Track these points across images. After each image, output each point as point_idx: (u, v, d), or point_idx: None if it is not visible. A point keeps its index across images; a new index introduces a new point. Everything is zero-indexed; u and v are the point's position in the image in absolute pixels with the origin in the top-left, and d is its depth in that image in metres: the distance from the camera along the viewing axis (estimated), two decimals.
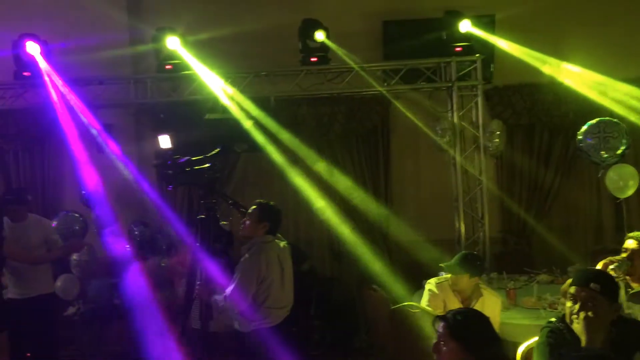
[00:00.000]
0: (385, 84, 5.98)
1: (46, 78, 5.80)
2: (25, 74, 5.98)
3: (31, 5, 6.40)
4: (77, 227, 6.06)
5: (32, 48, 5.79)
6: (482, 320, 2.25)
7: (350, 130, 6.50)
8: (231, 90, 5.81)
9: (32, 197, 5.24)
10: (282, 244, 4.15)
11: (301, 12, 6.00)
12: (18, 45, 5.80)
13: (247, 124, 5.44)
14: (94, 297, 5.80)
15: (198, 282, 4.02)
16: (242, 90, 5.99)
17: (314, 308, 5.55)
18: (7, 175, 6.44)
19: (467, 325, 2.17)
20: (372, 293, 4.79)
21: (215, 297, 3.86)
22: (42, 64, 5.79)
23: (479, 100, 5.96)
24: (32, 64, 5.90)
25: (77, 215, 6.16)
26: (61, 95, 5.86)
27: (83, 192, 6.09)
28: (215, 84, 5.81)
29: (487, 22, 6.17)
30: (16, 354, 4.79)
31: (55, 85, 5.82)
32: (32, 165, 6.48)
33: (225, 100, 5.75)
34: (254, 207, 4.08)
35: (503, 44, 6.03)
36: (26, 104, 6.13)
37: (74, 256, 5.93)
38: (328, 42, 5.84)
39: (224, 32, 6.00)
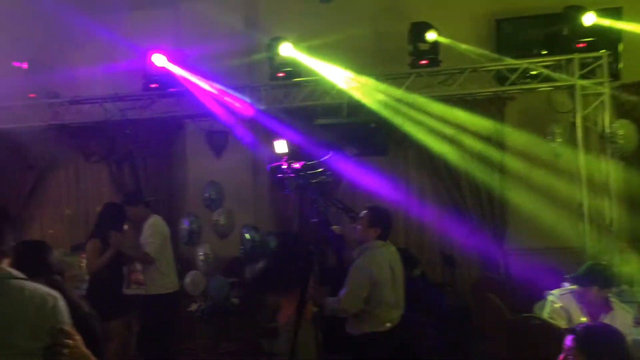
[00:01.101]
0: (500, 85, 5.76)
1: (186, 77, 6.15)
2: (152, 85, 6.46)
3: (158, 19, 6.87)
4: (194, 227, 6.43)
5: (159, 60, 6.24)
6: (616, 336, 2.09)
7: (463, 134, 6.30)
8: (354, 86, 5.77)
9: (152, 200, 5.57)
10: (392, 249, 4.13)
11: (409, 17, 5.94)
12: (145, 58, 6.28)
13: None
14: (214, 294, 6.11)
15: (311, 285, 4.12)
16: (352, 95, 6.04)
17: (426, 315, 5.44)
18: (137, 179, 6.96)
19: (599, 341, 2.03)
20: (488, 301, 4.63)
21: (328, 299, 3.92)
22: (175, 69, 6.19)
23: (606, 99, 5.54)
24: (158, 75, 6.37)
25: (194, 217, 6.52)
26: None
27: (205, 194, 6.45)
28: (336, 85, 5.88)
29: (613, 14, 5.74)
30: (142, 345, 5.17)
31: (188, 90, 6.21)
32: (158, 170, 6.96)
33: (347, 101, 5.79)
34: (365, 211, 4.10)
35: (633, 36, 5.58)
36: (153, 114, 6.60)
37: (200, 254, 6.30)
38: (442, 39, 5.71)
39: (333, 38, 6.10)
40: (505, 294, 5.25)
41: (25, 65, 6.47)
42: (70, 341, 2.06)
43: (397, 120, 5.68)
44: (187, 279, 6.21)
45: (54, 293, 2.18)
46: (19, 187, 7.22)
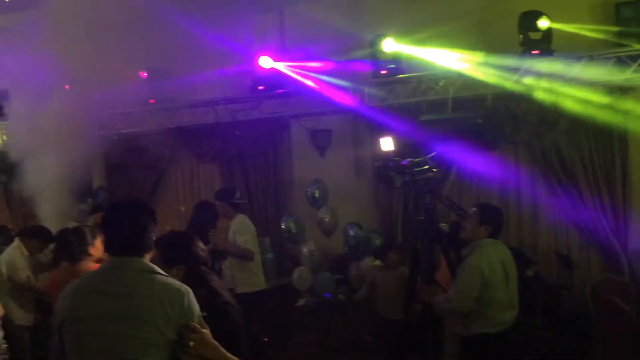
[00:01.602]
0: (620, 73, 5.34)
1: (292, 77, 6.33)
2: (259, 87, 6.69)
3: (264, 23, 7.08)
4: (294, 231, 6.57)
5: (265, 62, 6.45)
6: None
7: (579, 126, 5.91)
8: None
9: (241, 202, 5.75)
10: (504, 248, 3.97)
11: (517, 6, 5.67)
12: (252, 61, 6.52)
13: None
14: (321, 290, 6.22)
15: (418, 283, 4.07)
16: (457, 90, 5.90)
17: (540, 317, 5.18)
18: (246, 178, 7.24)
19: None
20: (612, 305, 4.32)
21: (438, 297, 3.86)
22: (281, 71, 6.37)
23: None
24: (265, 77, 6.60)
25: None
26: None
27: (310, 192, 6.57)
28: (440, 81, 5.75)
29: None
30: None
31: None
32: (266, 169, 7.20)
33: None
34: (475, 209, 3.98)
35: None
36: (260, 115, 6.85)
37: (305, 250, 6.45)
38: (558, 26, 5.39)
39: (436, 32, 5.96)
40: (630, 298, 4.88)
41: (145, 75, 6.96)
42: (195, 335, 2.15)
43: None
44: (295, 275, 6.38)
45: (184, 288, 2.26)
46: (141, 186, 7.79)
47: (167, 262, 2.63)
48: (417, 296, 4.08)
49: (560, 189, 5.95)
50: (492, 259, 3.79)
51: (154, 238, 2.36)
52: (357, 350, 6.14)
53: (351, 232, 6.39)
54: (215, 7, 5.92)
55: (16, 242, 5.35)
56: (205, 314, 2.30)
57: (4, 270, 5.10)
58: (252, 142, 7.09)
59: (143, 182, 7.78)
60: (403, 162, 3.89)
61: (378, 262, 6.06)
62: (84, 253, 3.78)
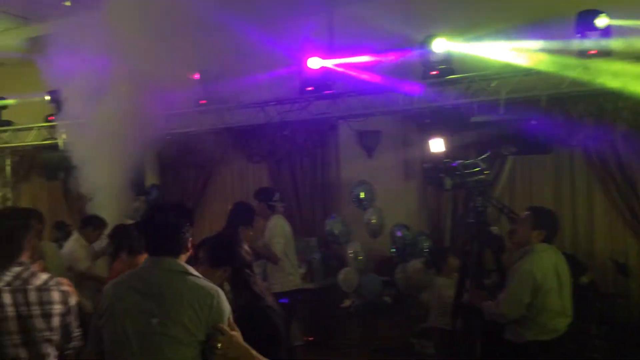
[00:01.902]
0: None
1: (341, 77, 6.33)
2: (308, 88, 6.73)
3: (313, 24, 7.12)
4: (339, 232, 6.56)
5: (314, 63, 6.49)
6: None
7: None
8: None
9: (279, 204, 5.74)
10: (558, 253, 3.86)
11: (575, 5, 5.49)
12: (302, 62, 6.56)
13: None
14: (366, 292, 6.20)
15: (469, 287, 4.00)
16: (510, 91, 5.77)
17: (595, 326, 5.00)
18: (294, 178, 7.29)
19: None
20: None
21: (488, 302, 3.78)
22: (330, 71, 6.39)
23: None
24: (314, 78, 6.63)
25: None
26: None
27: (356, 193, 6.56)
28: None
29: None
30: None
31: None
32: (313, 169, 7.23)
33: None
34: (528, 212, 3.88)
35: None
36: (309, 115, 6.88)
37: (350, 252, 6.44)
38: (617, 22, 5.20)
39: (490, 32, 5.85)
40: None
41: (197, 76, 7.12)
42: (223, 337, 2.21)
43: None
44: (340, 276, 6.38)
45: (214, 290, 2.32)
46: (191, 185, 7.96)
47: (212, 264, 2.67)
48: (466, 301, 4.02)
49: (618, 194, 5.73)
50: (545, 264, 3.68)
51: (190, 238, 2.45)
52: (402, 353, 6.08)
53: (399, 234, 6.34)
54: (266, 10, 6.00)
55: (75, 234, 5.63)
56: (235, 314, 2.35)
57: (65, 262, 5.34)
58: (300, 143, 7.14)
59: (194, 181, 7.95)
60: (453, 164, 3.84)
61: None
62: (143, 247, 3.90)
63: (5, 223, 2.84)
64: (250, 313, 2.58)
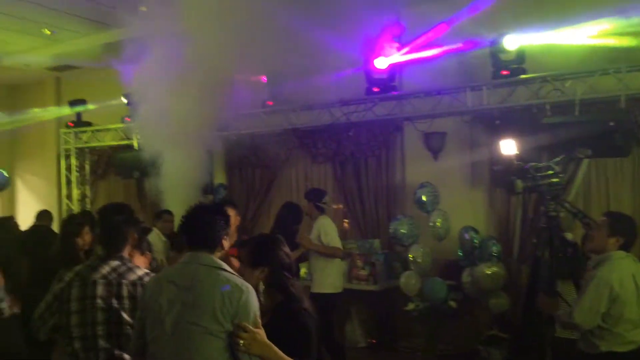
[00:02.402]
0: None
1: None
2: (374, 89, 6.72)
3: (381, 25, 7.07)
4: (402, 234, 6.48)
5: (381, 64, 6.46)
6: None
7: None
8: None
9: (325, 206, 5.71)
10: (637, 262, 3.66)
11: None
12: (368, 63, 6.55)
13: None
14: (431, 296, 6.10)
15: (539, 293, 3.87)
16: (586, 91, 5.54)
17: None
18: (358, 179, 7.28)
19: None
20: None
21: (561, 311, 3.64)
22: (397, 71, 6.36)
23: None
24: (380, 79, 6.61)
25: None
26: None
27: (415, 193, 6.45)
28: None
29: None
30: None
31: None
32: (378, 171, 7.19)
33: None
34: (604, 218, 3.70)
35: None
36: (374, 116, 6.87)
37: (410, 255, 6.35)
38: None
39: (564, 34, 5.64)
40: None
41: (264, 79, 7.26)
42: (246, 334, 2.35)
43: None
44: (402, 279, 6.31)
45: (245, 286, 2.47)
46: (257, 184, 8.09)
47: (251, 263, 2.73)
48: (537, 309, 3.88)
49: None
50: (622, 273, 3.50)
51: (225, 235, 2.65)
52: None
53: (466, 237, 6.20)
54: (333, 10, 6.02)
55: (155, 229, 5.96)
56: (269, 315, 2.51)
57: None
58: (365, 144, 7.12)
59: (259, 181, 8.09)
60: (525, 167, 3.72)
61: (495, 269, 5.84)
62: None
63: (112, 217, 3.02)
64: (284, 314, 2.64)
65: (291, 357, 2.41)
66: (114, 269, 2.91)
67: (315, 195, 5.73)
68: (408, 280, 6.29)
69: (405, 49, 6.46)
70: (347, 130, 7.12)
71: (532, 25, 5.76)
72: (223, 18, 6.20)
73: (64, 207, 9.39)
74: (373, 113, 6.88)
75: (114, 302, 2.85)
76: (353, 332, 6.88)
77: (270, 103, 7.36)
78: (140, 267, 3.02)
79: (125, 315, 2.83)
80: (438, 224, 6.40)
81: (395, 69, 6.61)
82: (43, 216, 6.60)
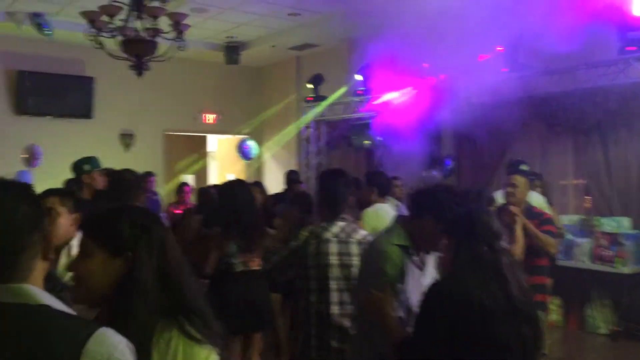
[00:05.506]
0: None
1: None
2: (628, 48, 5.93)
3: None
4: None
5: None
6: None
7: None
8: None
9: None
10: None
11: None
12: (621, 17, 5.77)
13: None
14: None
15: None
16: None
17: None
18: (605, 150, 6.51)
19: None
20: None
21: None
22: None
23: None
24: (636, 36, 5.80)
25: None
26: None
27: None
28: None
29: None
30: None
31: None
32: (629, 140, 6.35)
33: None
34: None
35: None
36: (627, 79, 6.06)
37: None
38: None
39: None
40: None
41: (502, 49, 6.88)
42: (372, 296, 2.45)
43: None
44: None
45: (386, 248, 2.59)
46: (486, 156, 7.79)
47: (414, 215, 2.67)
48: None
49: None
50: None
51: None
52: None
53: None
54: None
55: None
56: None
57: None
58: (613, 112, 6.34)
59: (489, 153, 7.78)
60: None
61: None
62: None
63: (336, 183, 3.27)
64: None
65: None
66: (342, 229, 3.13)
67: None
68: None
69: None
70: (594, 96, 6.41)
71: None
72: None
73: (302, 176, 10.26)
74: (625, 75, 6.08)
75: (346, 259, 3.05)
76: (593, 317, 6.31)
77: (505, 70, 6.97)
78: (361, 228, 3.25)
79: (354, 271, 3.02)
80: None
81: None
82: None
